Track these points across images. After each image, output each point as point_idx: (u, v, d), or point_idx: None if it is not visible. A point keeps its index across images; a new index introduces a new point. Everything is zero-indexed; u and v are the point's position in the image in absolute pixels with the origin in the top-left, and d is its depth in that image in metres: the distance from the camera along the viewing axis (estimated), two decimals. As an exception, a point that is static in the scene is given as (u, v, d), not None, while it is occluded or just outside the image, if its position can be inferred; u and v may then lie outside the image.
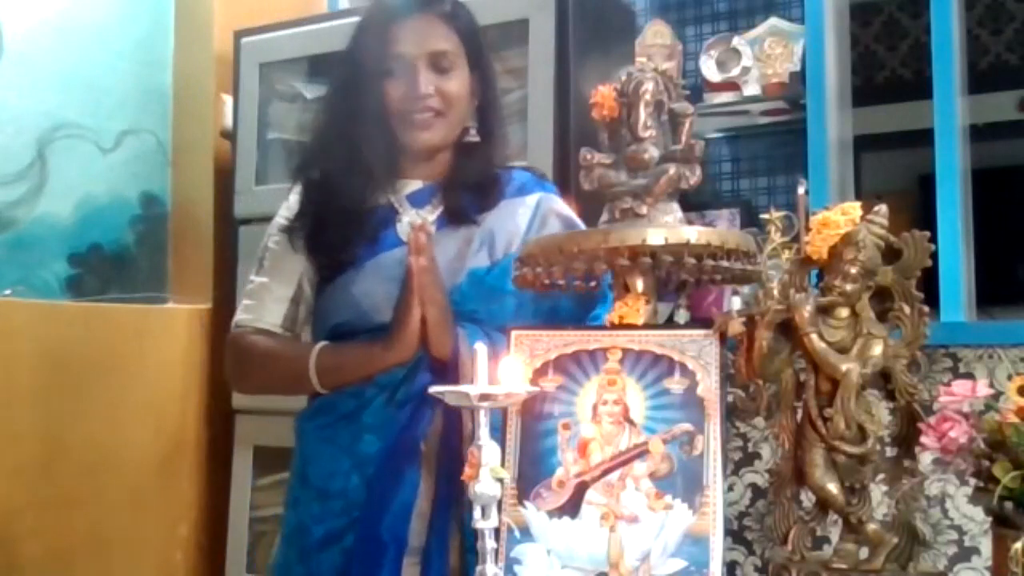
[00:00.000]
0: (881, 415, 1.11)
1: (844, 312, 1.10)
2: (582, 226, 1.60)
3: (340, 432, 1.47)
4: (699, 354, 1.14)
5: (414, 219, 1.54)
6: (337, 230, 1.53)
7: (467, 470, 1.04)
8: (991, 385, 1.07)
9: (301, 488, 1.52)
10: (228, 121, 2.57)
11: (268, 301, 1.57)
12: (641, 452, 1.13)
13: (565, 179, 2.02)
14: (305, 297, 1.58)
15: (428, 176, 1.59)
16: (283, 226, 1.59)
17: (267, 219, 2.44)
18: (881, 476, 1.11)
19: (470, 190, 1.57)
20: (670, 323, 1.26)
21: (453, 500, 1.40)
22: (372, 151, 1.52)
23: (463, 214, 1.55)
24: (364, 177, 1.53)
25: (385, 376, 1.44)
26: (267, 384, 1.65)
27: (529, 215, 1.57)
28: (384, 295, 1.47)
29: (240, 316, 1.59)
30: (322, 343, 1.50)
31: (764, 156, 2.98)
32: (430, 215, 1.56)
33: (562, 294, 1.38)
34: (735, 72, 2.74)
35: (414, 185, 1.58)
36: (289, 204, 1.62)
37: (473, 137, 1.58)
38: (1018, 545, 0.98)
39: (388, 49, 1.52)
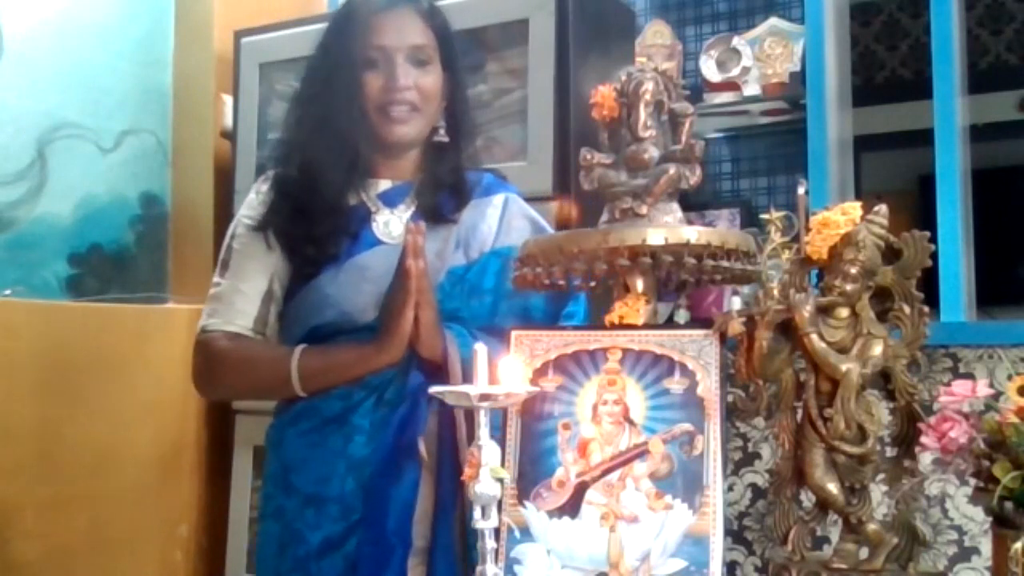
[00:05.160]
0: (881, 415, 1.11)
1: (844, 312, 1.10)
2: (547, 226, 1.64)
3: (329, 436, 1.45)
4: (699, 354, 1.14)
5: (390, 219, 1.54)
6: (321, 223, 1.51)
7: (467, 470, 1.04)
8: (991, 385, 1.07)
9: (285, 496, 1.49)
10: (228, 121, 2.57)
11: (239, 303, 1.53)
12: (641, 452, 1.13)
13: (565, 179, 2.02)
14: (276, 298, 1.55)
15: (398, 175, 1.59)
16: (251, 225, 1.55)
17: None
18: (881, 476, 1.11)
19: (443, 190, 1.57)
20: (670, 323, 1.26)
21: (455, 498, 1.40)
22: (349, 144, 1.51)
23: (439, 214, 1.55)
24: (341, 172, 1.52)
25: (374, 377, 1.44)
26: (240, 389, 1.64)
27: (498, 215, 1.59)
28: (366, 296, 1.46)
29: (207, 320, 1.54)
30: (303, 346, 1.47)
31: (764, 156, 2.98)
32: (405, 214, 1.56)
33: (533, 292, 1.39)
34: (735, 72, 2.73)
35: (384, 184, 1.58)
36: (251, 204, 1.58)
37: (442, 137, 1.59)
38: (1018, 545, 0.98)
39: (368, 40, 1.51)
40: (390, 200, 1.57)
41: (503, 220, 1.58)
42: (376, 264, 1.49)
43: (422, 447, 1.42)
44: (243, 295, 1.53)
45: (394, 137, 1.54)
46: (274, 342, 1.55)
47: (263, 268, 1.54)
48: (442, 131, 1.59)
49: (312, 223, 1.51)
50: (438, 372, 1.41)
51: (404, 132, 1.54)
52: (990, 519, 1.05)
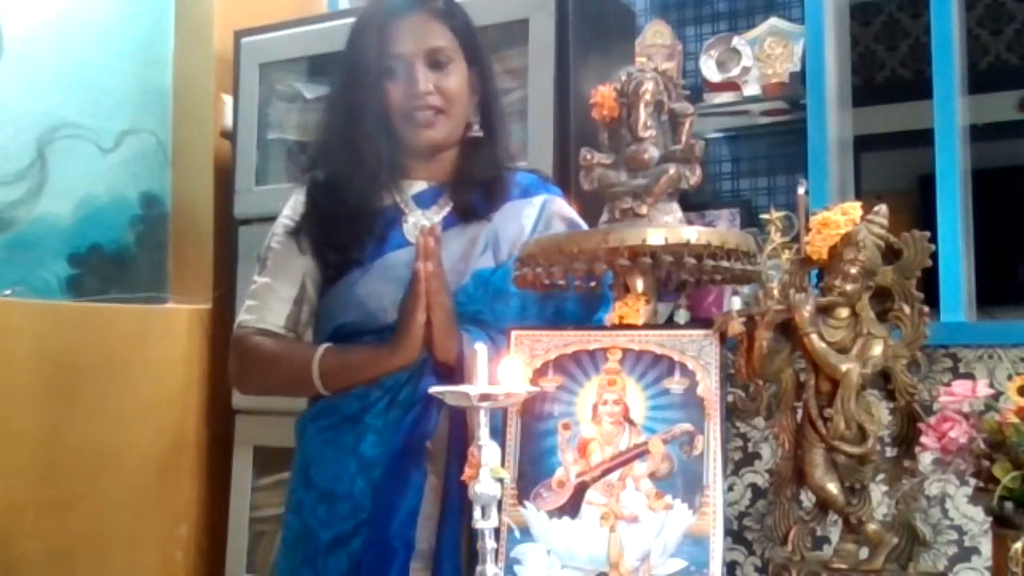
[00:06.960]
0: (881, 415, 1.11)
1: (844, 312, 1.10)
2: (586, 228, 1.60)
3: (344, 434, 1.47)
4: (699, 354, 1.14)
5: (420, 220, 1.54)
6: (345, 230, 1.53)
7: (467, 470, 1.04)
8: (991, 385, 1.07)
9: (304, 491, 1.51)
10: (228, 121, 2.57)
11: (272, 302, 1.56)
12: (641, 452, 1.13)
13: (565, 179, 2.02)
14: (308, 298, 1.57)
15: (433, 176, 1.59)
16: (288, 227, 1.59)
17: (267, 219, 2.44)
18: (881, 476, 1.11)
19: (478, 188, 1.57)
20: (670, 323, 1.26)
21: (462, 503, 1.39)
22: (377, 150, 1.52)
23: (473, 211, 1.55)
24: (370, 176, 1.52)
25: (389, 379, 1.44)
26: (270, 385, 1.65)
27: (534, 217, 1.57)
28: (391, 296, 1.47)
29: (243, 317, 1.58)
30: (326, 345, 1.49)
31: (764, 156, 2.98)
32: (436, 216, 1.56)
33: (567, 296, 1.38)
34: (735, 72, 2.73)
35: (419, 186, 1.59)
36: (293, 205, 1.62)
37: (477, 132, 1.59)
38: (1018, 545, 0.98)
39: (385, 48, 1.52)
40: (423, 201, 1.57)
41: (539, 221, 1.57)
42: (402, 264, 1.49)
43: (430, 450, 1.42)
44: (276, 294, 1.57)
45: (423, 141, 1.54)
46: (307, 340, 1.58)
47: (296, 269, 1.57)
48: (476, 127, 1.59)
49: (337, 230, 1.53)
50: (453, 375, 1.40)
51: (432, 136, 1.54)
52: (990, 519, 1.05)
